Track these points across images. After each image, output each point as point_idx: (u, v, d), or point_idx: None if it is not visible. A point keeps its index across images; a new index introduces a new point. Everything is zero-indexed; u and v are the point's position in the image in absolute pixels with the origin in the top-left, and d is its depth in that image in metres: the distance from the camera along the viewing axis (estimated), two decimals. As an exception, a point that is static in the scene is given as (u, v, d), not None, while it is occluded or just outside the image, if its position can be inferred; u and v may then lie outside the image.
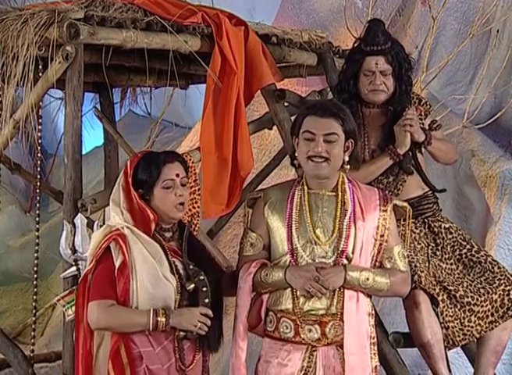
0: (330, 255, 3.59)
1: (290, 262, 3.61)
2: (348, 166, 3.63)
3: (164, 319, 3.38)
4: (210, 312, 3.49)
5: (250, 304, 3.66)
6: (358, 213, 3.62)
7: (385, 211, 3.66)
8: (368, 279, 3.56)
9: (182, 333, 3.45)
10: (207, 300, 3.50)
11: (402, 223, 3.77)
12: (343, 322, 3.56)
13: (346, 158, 3.62)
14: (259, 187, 5.60)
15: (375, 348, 3.61)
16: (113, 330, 3.40)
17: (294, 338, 3.60)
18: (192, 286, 3.49)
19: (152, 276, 3.42)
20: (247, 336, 3.67)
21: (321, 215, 3.62)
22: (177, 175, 3.54)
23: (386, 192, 3.83)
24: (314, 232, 3.60)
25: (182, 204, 3.55)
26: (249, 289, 3.66)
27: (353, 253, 3.59)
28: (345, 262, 3.58)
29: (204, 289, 3.51)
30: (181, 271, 3.52)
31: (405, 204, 3.78)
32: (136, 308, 3.40)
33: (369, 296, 3.65)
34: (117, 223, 3.51)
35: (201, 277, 3.51)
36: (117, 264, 3.42)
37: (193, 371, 3.50)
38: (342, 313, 3.56)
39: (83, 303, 3.47)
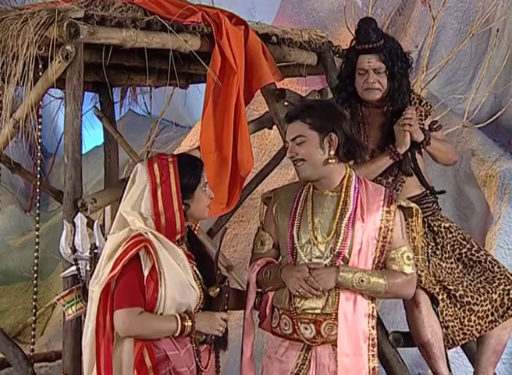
0: (327, 255, 3.59)
1: (290, 261, 3.62)
2: (333, 160, 3.59)
3: (190, 324, 3.37)
4: (228, 318, 3.52)
5: (262, 300, 3.71)
6: (358, 214, 3.60)
7: (389, 212, 3.63)
8: (362, 280, 3.55)
9: (202, 337, 3.45)
10: (226, 307, 3.52)
11: (411, 222, 3.75)
12: (338, 322, 3.55)
13: (332, 153, 3.58)
14: (259, 187, 5.62)
15: (375, 349, 3.59)
16: (143, 338, 3.35)
17: (292, 335, 3.61)
18: (217, 290, 3.48)
19: (179, 283, 3.39)
20: (253, 332, 3.71)
21: (321, 215, 3.63)
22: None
23: (394, 192, 3.78)
24: (314, 232, 3.61)
25: (210, 204, 3.59)
26: (253, 286, 3.70)
27: (350, 254, 3.58)
28: (341, 263, 3.58)
29: (227, 295, 3.52)
30: (199, 276, 3.50)
31: (411, 204, 3.73)
32: (161, 314, 3.37)
33: (371, 298, 3.63)
34: (139, 227, 3.40)
35: (226, 284, 3.53)
36: (146, 272, 3.35)
37: (209, 372, 3.50)
38: (337, 313, 3.55)
39: (107, 309, 3.38)
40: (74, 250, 3.92)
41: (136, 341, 3.36)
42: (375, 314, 3.63)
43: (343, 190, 3.64)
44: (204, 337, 3.46)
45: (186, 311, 3.40)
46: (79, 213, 3.98)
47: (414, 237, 3.80)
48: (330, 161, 3.59)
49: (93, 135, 6.43)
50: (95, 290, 3.41)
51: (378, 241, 3.62)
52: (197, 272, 3.50)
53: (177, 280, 3.39)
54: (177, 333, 3.36)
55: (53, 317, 7.86)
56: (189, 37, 4.39)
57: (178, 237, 3.47)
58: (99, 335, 3.39)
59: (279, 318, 3.65)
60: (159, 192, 3.43)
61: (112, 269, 3.35)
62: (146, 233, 3.38)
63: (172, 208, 3.43)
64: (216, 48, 4.42)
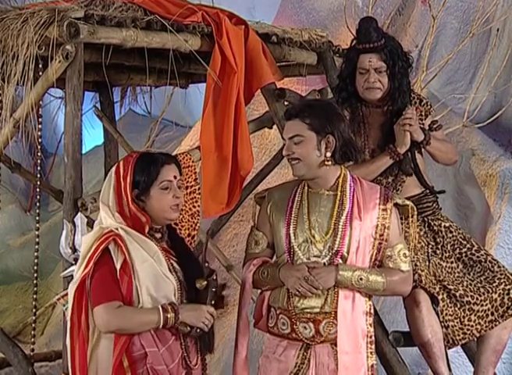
0: (325, 254, 3.59)
1: (287, 260, 3.62)
2: (330, 163, 3.59)
3: (173, 315, 3.34)
4: (215, 313, 3.48)
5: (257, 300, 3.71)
6: (355, 213, 3.61)
7: (385, 210, 3.65)
8: (361, 278, 3.56)
9: (187, 329, 3.40)
10: (213, 301, 3.48)
11: (406, 221, 3.75)
12: (337, 320, 3.56)
13: (328, 155, 3.58)
14: (259, 187, 5.61)
15: (373, 346, 3.60)
16: (123, 332, 3.32)
17: (290, 335, 3.61)
18: (204, 283, 3.45)
19: (153, 275, 3.37)
20: (248, 332, 3.71)
21: (318, 214, 3.63)
22: (175, 177, 3.49)
23: (389, 190, 3.79)
24: (311, 231, 3.61)
25: (177, 205, 3.50)
26: (249, 286, 3.70)
27: (348, 253, 3.59)
28: (340, 261, 3.58)
29: (214, 289, 3.48)
30: (177, 270, 3.48)
31: (407, 202, 3.74)
32: (141, 307, 3.35)
33: (368, 296, 3.64)
34: (109, 224, 3.41)
35: (214, 277, 3.48)
36: (118, 265, 3.34)
37: (196, 371, 3.47)
38: (336, 312, 3.56)
39: (81, 308, 3.37)
40: (74, 250, 3.93)
41: (116, 342, 3.33)
42: (372, 312, 3.65)
43: (339, 189, 3.64)
44: (188, 328, 3.40)
45: (170, 303, 3.37)
46: (79, 213, 3.98)
47: (408, 232, 3.79)
48: (326, 163, 3.59)
49: (93, 135, 6.44)
50: (69, 289, 3.41)
51: (375, 239, 3.63)
52: (174, 265, 3.47)
53: (150, 272, 3.37)
54: (160, 325, 3.33)
55: (53, 317, 7.86)
56: (189, 37, 4.39)
57: (147, 228, 3.45)
58: (73, 335, 3.39)
59: (276, 318, 3.65)
60: (122, 187, 3.44)
61: (85, 268, 3.36)
62: (116, 229, 3.39)
63: (122, 202, 3.43)
64: (216, 47, 4.42)
